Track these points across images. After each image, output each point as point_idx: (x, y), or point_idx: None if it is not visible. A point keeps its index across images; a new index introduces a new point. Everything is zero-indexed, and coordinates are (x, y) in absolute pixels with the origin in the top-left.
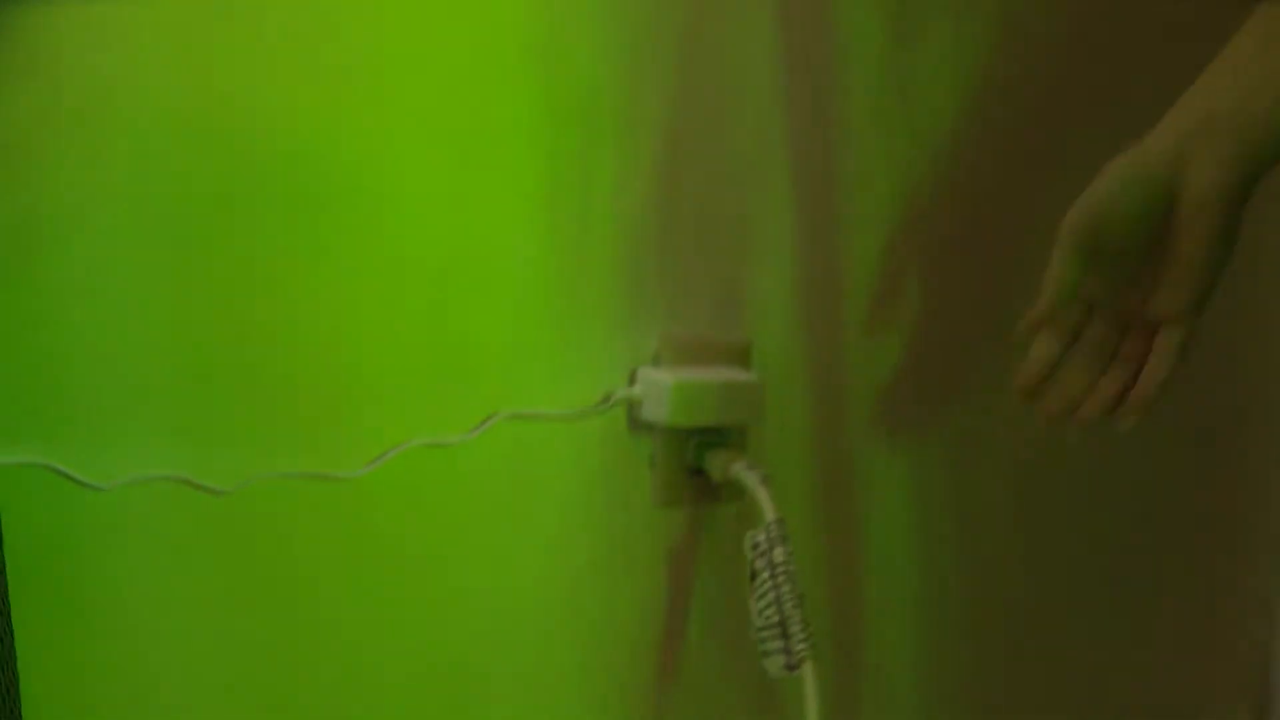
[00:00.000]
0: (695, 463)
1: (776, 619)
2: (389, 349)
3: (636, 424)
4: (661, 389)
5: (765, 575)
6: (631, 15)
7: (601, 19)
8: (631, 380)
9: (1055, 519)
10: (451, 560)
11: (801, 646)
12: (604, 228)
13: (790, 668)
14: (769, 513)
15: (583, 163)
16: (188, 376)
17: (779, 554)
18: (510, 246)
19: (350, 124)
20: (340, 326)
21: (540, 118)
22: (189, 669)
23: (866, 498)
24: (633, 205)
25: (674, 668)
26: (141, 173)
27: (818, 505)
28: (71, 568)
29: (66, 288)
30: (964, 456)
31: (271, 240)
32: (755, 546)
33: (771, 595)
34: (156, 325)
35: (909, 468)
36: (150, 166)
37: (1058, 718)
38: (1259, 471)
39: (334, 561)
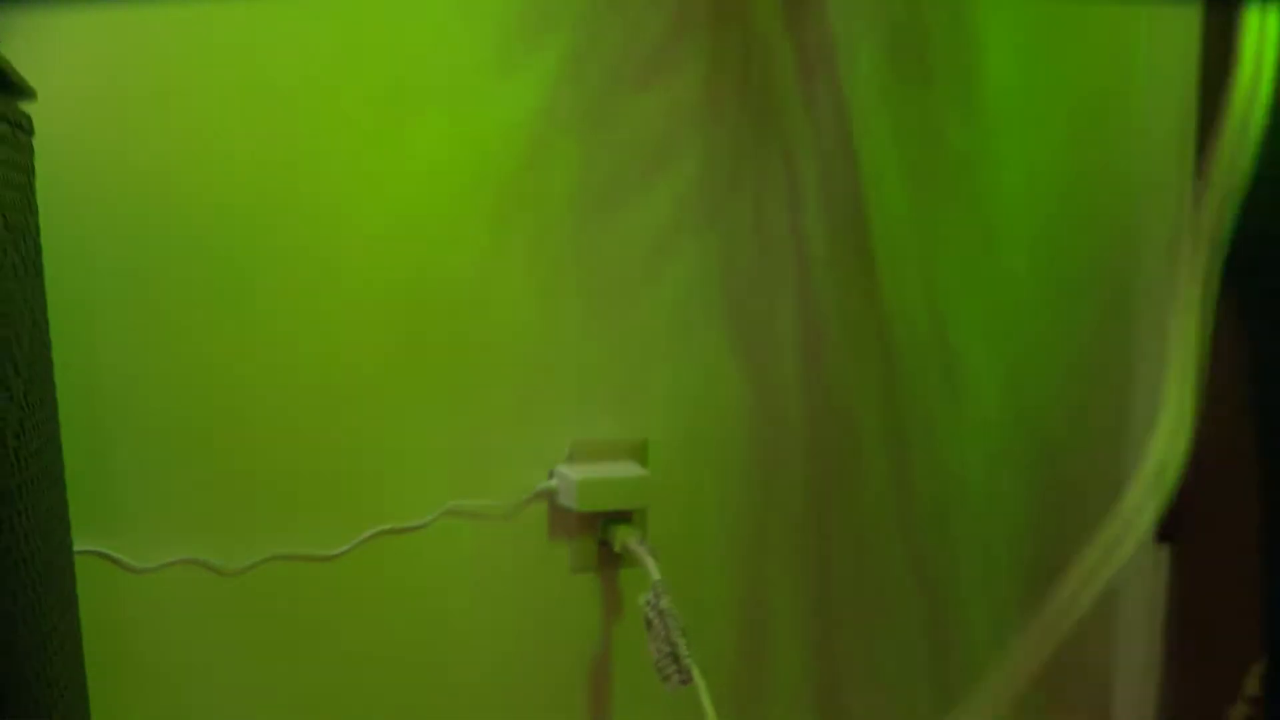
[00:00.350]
0: (603, 536)
1: (669, 650)
2: (358, 457)
3: (555, 509)
4: (571, 484)
5: (656, 621)
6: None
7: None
8: (550, 475)
9: (894, 525)
10: (416, 620)
11: (688, 663)
12: (524, 355)
13: (684, 681)
14: (654, 574)
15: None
16: (203, 483)
17: (664, 603)
18: (454, 379)
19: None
20: (317, 441)
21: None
22: (209, 705)
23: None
24: (552, 330)
25: (604, 690)
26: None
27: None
28: (116, 635)
29: (115, 425)
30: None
31: (261, 379)
32: (647, 603)
33: (663, 634)
34: (178, 443)
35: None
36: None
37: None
38: (1096, 478)
39: (320, 624)
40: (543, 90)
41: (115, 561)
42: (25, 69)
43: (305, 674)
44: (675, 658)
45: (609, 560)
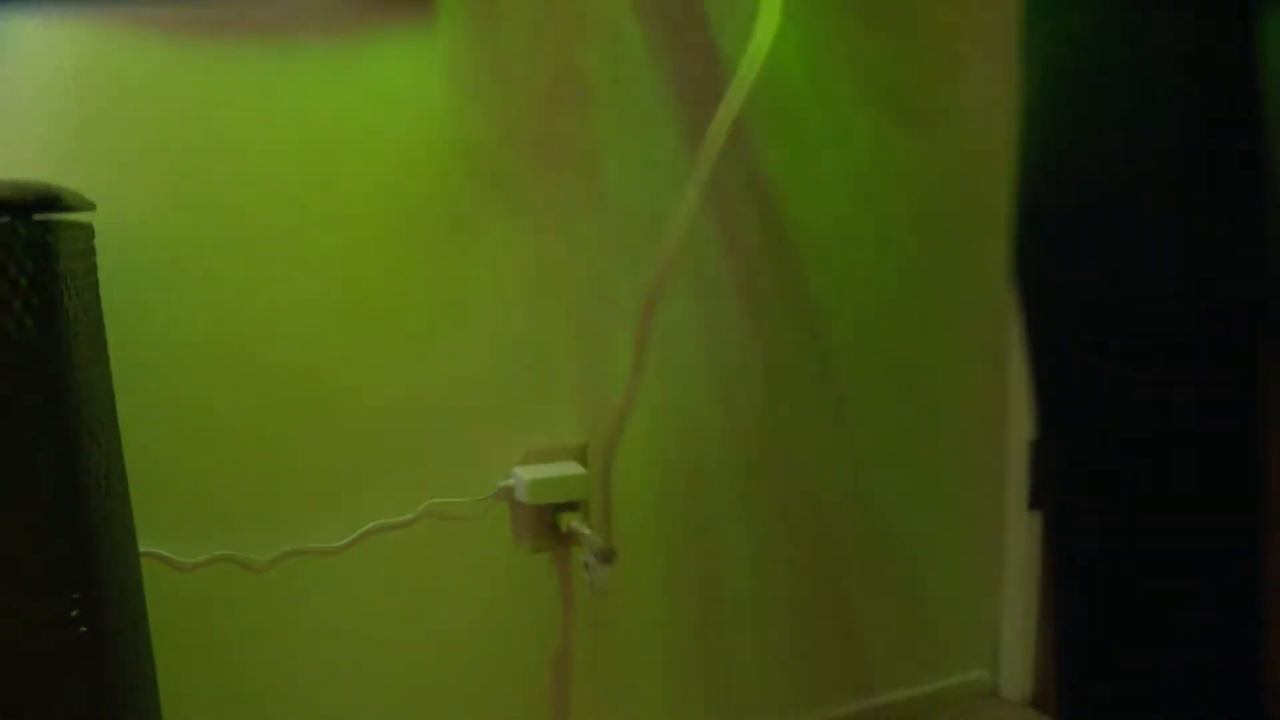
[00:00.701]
0: (552, 522)
1: (596, 552)
2: (354, 464)
3: (514, 502)
4: (523, 483)
5: (593, 559)
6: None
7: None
8: (508, 476)
9: (793, 486)
10: (410, 597)
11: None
12: (491, 375)
13: (605, 559)
14: (594, 542)
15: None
16: (231, 489)
17: (597, 544)
18: (428, 397)
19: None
20: (317, 452)
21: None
22: (249, 680)
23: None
24: (509, 352)
25: (568, 654)
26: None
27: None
28: (169, 624)
29: (158, 450)
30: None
31: (265, 401)
32: (586, 559)
33: (596, 561)
34: (205, 457)
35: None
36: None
37: (801, 677)
38: (981, 449)
39: (328, 608)
40: (497, 120)
41: (165, 560)
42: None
43: (325, 653)
44: (603, 558)
45: (559, 541)
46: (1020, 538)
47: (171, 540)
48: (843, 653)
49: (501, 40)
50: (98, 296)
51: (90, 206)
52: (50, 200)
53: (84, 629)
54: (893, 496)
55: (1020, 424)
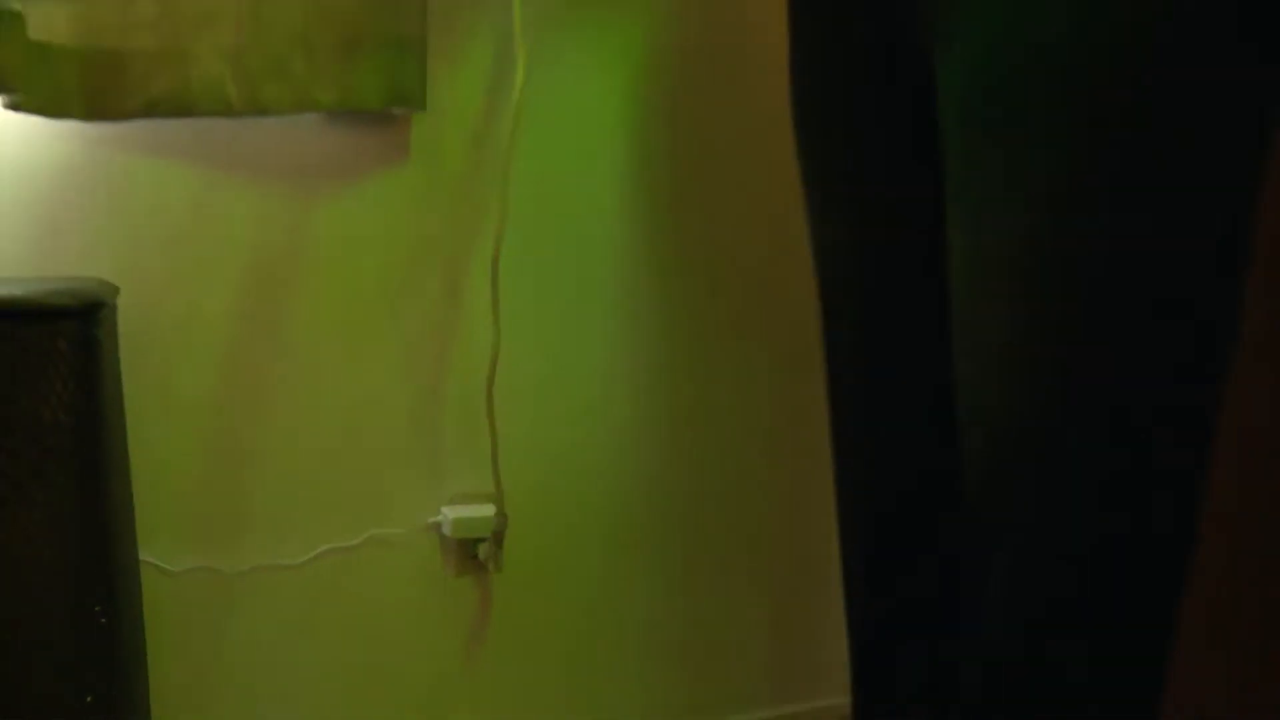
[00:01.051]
0: (473, 552)
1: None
2: (313, 496)
3: (442, 535)
4: (449, 520)
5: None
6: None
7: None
8: (438, 513)
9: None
10: (355, 609)
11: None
12: (428, 430)
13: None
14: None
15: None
16: (210, 506)
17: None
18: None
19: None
20: (287, 480)
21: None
22: (227, 679)
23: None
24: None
25: (481, 654)
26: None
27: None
28: (159, 623)
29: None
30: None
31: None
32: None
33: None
34: (188, 481)
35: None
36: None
37: (685, 688)
38: None
39: (289, 618)
40: (447, 224)
41: (157, 566)
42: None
43: (285, 651)
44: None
45: (478, 567)
46: None
47: (161, 549)
48: (736, 665)
49: (450, 170)
50: (118, 359)
51: (118, 291)
52: (98, 304)
53: (103, 620)
54: (779, 518)
55: None
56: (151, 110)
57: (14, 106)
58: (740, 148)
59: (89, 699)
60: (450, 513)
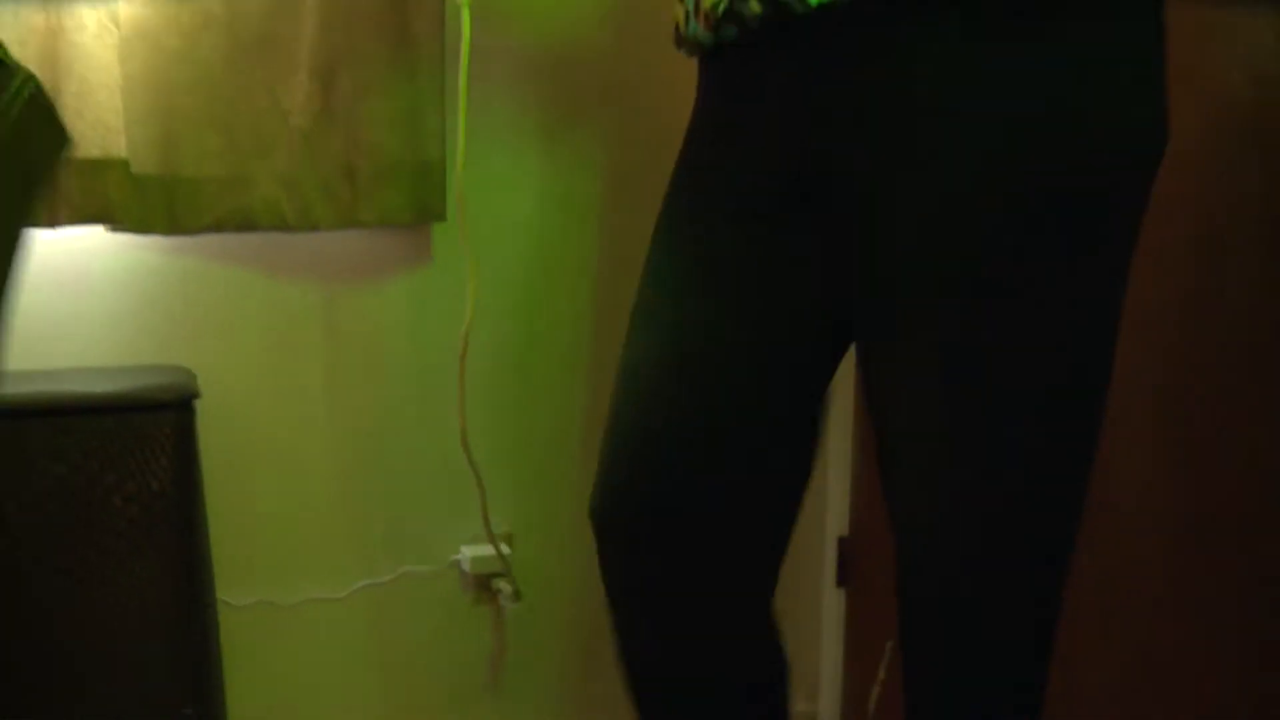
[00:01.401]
0: (489, 585)
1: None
2: (352, 537)
3: (462, 571)
4: (467, 558)
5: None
6: None
7: None
8: (459, 552)
9: None
10: (387, 634)
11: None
12: (445, 476)
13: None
14: (509, 591)
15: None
16: (266, 550)
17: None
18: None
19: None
20: (330, 527)
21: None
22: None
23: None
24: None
25: (496, 671)
26: None
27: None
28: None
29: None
30: None
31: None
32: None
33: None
34: (239, 524)
35: None
36: None
37: None
38: (807, 537)
39: (334, 643)
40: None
41: (228, 604)
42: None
43: (336, 675)
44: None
45: (492, 598)
46: (832, 603)
47: (228, 587)
48: None
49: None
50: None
51: (196, 377)
52: (191, 396)
53: (194, 649)
54: None
55: (836, 519)
56: (220, 226)
57: (113, 229)
58: None
59: (188, 712)
60: (468, 551)
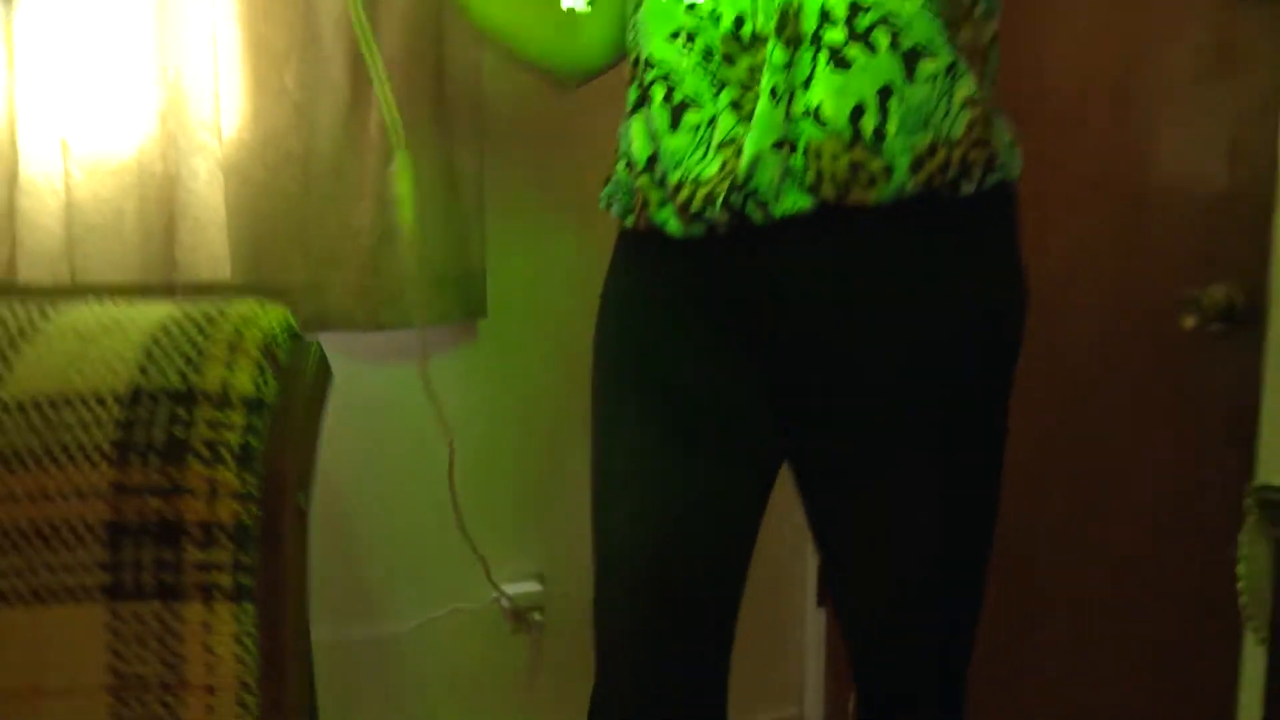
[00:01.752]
0: (525, 615)
1: (510, 603)
2: (411, 578)
3: (502, 606)
4: (507, 596)
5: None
6: None
7: None
8: (499, 589)
9: None
10: (444, 660)
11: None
12: (489, 518)
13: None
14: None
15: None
16: (339, 592)
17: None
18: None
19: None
20: (391, 571)
21: None
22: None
23: None
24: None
25: (533, 686)
26: None
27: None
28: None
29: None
30: None
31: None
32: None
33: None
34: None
35: None
36: None
37: None
38: (790, 560)
39: (398, 670)
40: (513, 388)
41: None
42: None
43: (401, 695)
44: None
45: (529, 627)
46: (814, 621)
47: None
48: None
49: (509, 350)
50: None
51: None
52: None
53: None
54: None
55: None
56: (304, 328)
57: None
58: None
59: None
60: (509, 589)
